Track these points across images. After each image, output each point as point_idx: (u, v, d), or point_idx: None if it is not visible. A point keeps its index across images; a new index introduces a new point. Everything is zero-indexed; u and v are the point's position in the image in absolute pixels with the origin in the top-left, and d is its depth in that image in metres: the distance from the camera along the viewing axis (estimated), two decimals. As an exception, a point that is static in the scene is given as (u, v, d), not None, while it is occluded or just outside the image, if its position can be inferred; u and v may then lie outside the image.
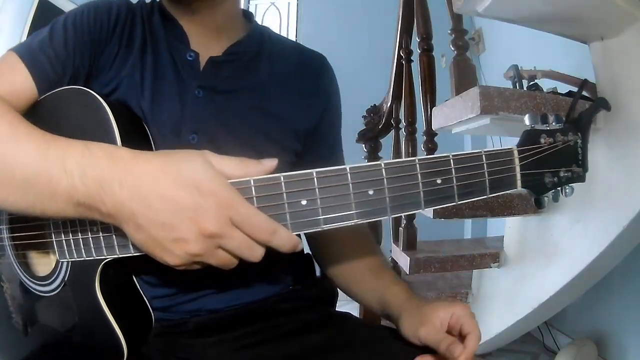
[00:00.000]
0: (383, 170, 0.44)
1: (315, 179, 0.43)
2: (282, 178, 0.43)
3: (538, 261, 1.43)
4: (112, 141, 0.50)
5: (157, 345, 0.62)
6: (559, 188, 0.50)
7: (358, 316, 1.72)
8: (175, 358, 0.62)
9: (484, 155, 0.46)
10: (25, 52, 0.58)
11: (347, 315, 0.74)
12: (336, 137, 0.78)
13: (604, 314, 1.71)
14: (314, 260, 0.78)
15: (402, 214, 0.45)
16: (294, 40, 3.39)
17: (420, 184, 0.44)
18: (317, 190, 0.43)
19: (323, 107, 0.72)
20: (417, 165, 0.44)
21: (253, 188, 0.43)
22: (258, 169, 0.43)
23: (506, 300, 1.56)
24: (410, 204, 0.44)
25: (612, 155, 1.15)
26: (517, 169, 0.47)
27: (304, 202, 0.43)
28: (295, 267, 0.73)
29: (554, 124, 0.49)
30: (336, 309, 0.77)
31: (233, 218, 0.41)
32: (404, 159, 0.45)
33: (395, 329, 0.65)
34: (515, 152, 0.47)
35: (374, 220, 0.45)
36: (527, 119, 0.49)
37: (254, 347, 0.64)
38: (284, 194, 0.43)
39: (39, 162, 0.43)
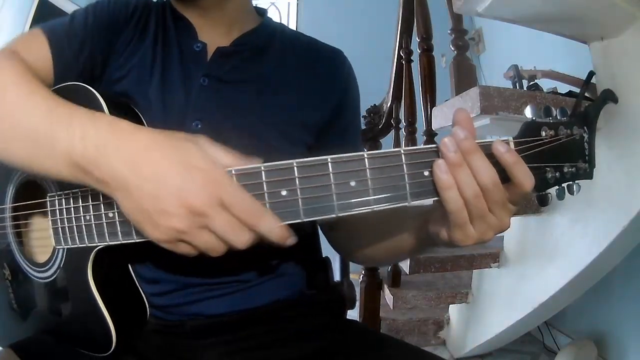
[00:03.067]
0: (366, 160, 0.42)
1: (295, 168, 0.42)
2: (262, 167, 0.42)
3: (538, 261, 1.43)
4: None
5: (154, 342, 0.62)
6: (564, 185, 0.47)
7: (358, 319, 1.72)
8: (171, 357, 0.62)
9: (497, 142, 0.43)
10: (48, 28, 0.62)
11: (351, 322, 0.73)
12: (357, 132, 0.77)
13: (604, 314, 1.71)
14: (331, 264, 0.76)
15: (388, 207, 0.43)
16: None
17: (406, 175, 0.42)
18: (297, 180, 0.42)
19: (338, 102, 0.70)
20: (402, 156, 0.42)
21: (233, 177, 0.42)
22: (245, 162, 0.43)
23: (506, 300, 1.56)
24: (395, 197, 0.42)
25: (612, 155, 1.15)
26: None
27: (284, 193, 0.42)
28: (308, 271, 0.71)
29: (558, 117, 0.46)
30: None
31: (222, 197, 0.40)
32: (387, 150, 0.43)
33: (396, 339, 0.65)
34: (512, 144, 0.44)
35: (357, 212, 0.42)
36: (528, 111, 0.46)
37: (252, 350, 0.63)
38: (264, 184, 0.42)
39: (45, 116, 0.44)
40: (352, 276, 0.96)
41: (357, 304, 1.79)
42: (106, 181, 0.42)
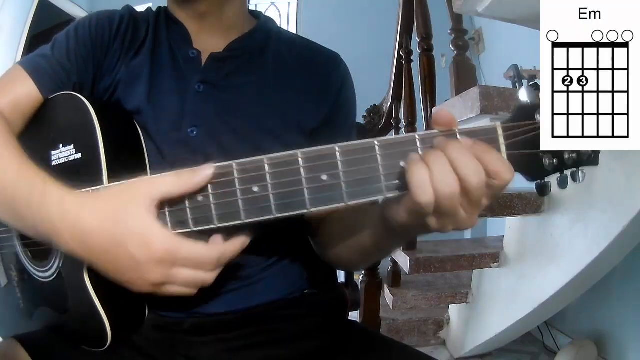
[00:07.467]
0: (337, 153, 0.41)
1: (265, 164, 0.42)
2: (234, 165, 0.43)
3: (538, 261, 1.43)
4: (95, 144, 0.53)
5: (153, 337, 0.62)
6: (566, 172, 0.42)
7: (358, 319, 1.72)
8: (169, 352, 0.62)
9: (458, 134, 0.40)
10: (28, 63, 0.61)
11: (352, 323, 0.73)
12: (351, 131, 0.75)
13: (604, 314, 1.71)
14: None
15: (362, 201, 0.41)
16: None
17: (380, 167, 0.40)
18: (267, 175, 0.42)
19: (333, 105, 0.70)
20: (376, 147, 0.40)
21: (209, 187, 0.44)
22: (193, 181, 0.44)
23: (506, 300, 1.56)
24: (369, 190, 0.40)
25: (612, 155, 1.15)
26: (502, 148, 0.40)
27: (255, 189, 0.42)
28: (310, 271, 0.70)
29: None
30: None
31: (176, 263, 0.45)
32: (360, 141, 0.41)
33: (396, 341, 0.66)
34: (499, 129, 0.40)
35: (330, 207, 0.41)
36: (522, 93, 0.41)
37: (251, 348, 0.63)
38: (236, 180, 0.43)
39: (13, 192, 0.48)
40: (351, 276, 0.96)
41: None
42: (73, 255, 0.47)
